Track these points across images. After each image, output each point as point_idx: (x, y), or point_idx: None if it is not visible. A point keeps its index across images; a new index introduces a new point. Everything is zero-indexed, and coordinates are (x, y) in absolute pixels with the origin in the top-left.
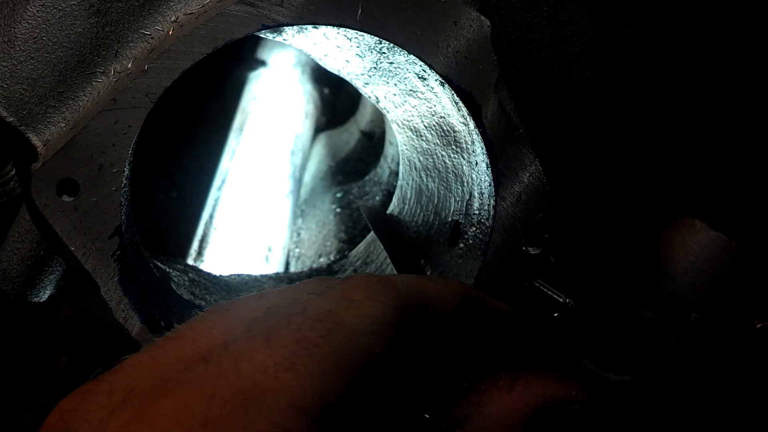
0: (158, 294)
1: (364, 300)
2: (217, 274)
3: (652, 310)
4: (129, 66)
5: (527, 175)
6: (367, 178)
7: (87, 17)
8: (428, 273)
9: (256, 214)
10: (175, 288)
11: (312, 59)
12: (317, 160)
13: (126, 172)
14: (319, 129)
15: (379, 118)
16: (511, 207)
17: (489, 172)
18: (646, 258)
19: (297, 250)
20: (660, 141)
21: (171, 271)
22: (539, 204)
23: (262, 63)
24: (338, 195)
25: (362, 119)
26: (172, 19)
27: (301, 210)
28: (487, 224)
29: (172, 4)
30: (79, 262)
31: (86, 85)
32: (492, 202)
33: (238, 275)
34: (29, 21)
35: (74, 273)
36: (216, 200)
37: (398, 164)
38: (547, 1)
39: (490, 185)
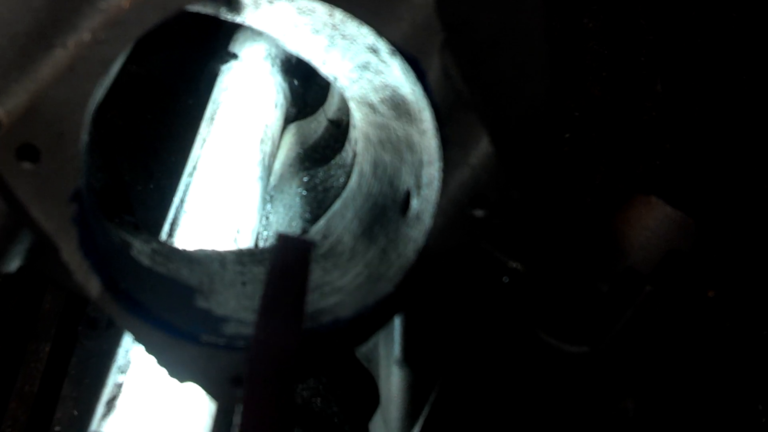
0: (118, 260)
1: None
2: (180, 248)
3: (608, 283)
4: (87, 37)
5: (473, 139)
6: (332, 162)
7: None
8: (382, 242)
9: (225, 199)
10: (135, 255)
11: (283, 51)
12: (287, 148)
13: (85, 139)
14: (289, 120)
15: (346, 106)
16: (458, 171)
17: (438, 136)
18: (602, 234)
19: (265, 232)
20: (627, 127)
21: (133, 240)
22: (486, 168)
23: (234, 56)
24: (305, 179)
25: (330, 108)
26: None
27: (270, 196)
28: (435, 188)
29: None
30: (40, 226)
31: (45, 56)
32: (440, 165)
33: (203, 250)
34: None
35: (39, 241)
36: (187, 186)
37: None
38: None
39: (437, 149)
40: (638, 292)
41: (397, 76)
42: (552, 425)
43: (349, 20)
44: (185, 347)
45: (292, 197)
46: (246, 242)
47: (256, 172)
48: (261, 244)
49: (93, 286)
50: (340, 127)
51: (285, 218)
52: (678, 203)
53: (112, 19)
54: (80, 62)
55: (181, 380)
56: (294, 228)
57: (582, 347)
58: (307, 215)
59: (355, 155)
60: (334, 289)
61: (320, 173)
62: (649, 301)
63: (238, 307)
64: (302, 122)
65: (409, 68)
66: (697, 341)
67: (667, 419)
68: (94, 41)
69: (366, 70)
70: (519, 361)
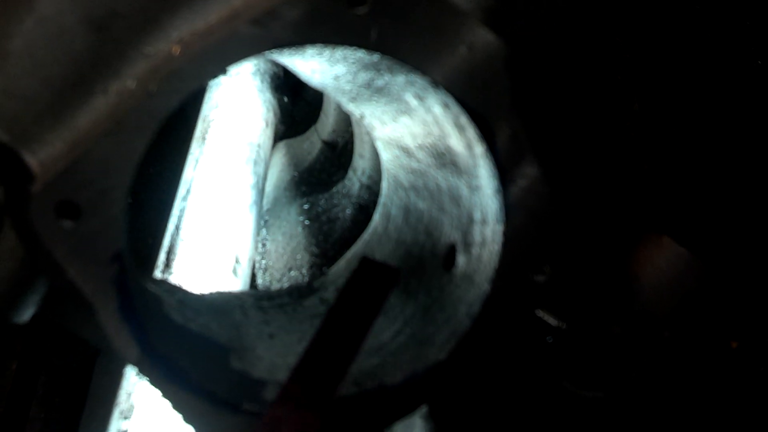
0: (153, 320)
1: None
2: (200, 294)
3: (621, 326)
4: (131, 85)
5: (538, 200)
6: (334, 189)
7: (87, 34)
8: (422, 299)
9: (221, 226)
10: (167, 312)
11: (271, 67)
12: (278, 169)
13: (127, 196)
14: (278, 137)
15: (342, 128)
16: (522, 235)
17: (498, 197)
18: (614, 275)
19: (263, 261)
20: (609, 154)
21: (162, 293)
22: (547, 231)
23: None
24: (305, 206)
25: (323, 129)
26: (176, 38)
27: (264, 220)
28: (494, 250)
29: (176, 22)
30: (77, 288)
31: (84, 104)
32: (500, 227)
33: (220, 293)
34: (25, 36)
35: (60, 293)
36: (181, 211)
37: (369, 177)
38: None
39: (498, 211)
40: (653, 335)
41: (444, 127)
42: None
43: (398, 66)
44: (225, 417)
45: (293, 226)
46: (245, 271)
47: (251, 196)
48: (259, 274)
49: (131, 351)
50: (335, 150)
51: (286, 248)
52: (682, 241)
53: (165, 70)
54: (130, 115)
55: None
56: (299, 262)
57: (597, 392)
58: (314, 248)
59: (361, 186)
60: (372, 348)
61: (321, 201)
62: (667, 348)
63: (271, 366)
64: (293, 141)
65: (469, 123)
66: (718, 392)
67: None
68: (142, 91)
69: (405, 116)
70: (545, 410)
